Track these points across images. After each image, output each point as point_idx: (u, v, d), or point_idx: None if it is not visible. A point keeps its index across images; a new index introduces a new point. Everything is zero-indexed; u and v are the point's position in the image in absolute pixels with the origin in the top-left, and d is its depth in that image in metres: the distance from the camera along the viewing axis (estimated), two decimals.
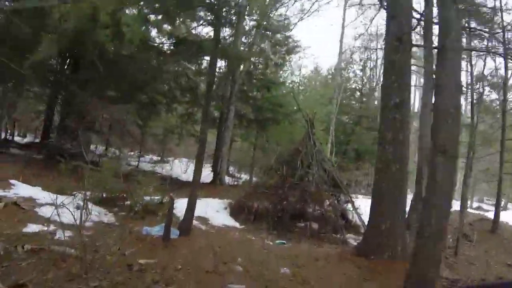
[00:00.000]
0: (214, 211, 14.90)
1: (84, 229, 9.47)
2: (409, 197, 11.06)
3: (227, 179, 24.08)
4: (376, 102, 35.72)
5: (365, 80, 36.44)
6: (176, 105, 25.59)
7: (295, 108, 25.82)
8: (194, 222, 12.44)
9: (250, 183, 21.68)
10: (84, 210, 9.26)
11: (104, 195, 12.79)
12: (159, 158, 30.39)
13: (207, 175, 22.55)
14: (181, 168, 26.66)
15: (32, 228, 9.02)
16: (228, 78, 22.65)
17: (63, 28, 13.06)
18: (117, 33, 14.41)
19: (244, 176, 27.47)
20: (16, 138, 27.78)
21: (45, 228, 8.98)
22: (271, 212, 14.09)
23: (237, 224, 13.90)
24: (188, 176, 23.79)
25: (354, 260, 9.94)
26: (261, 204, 14.05)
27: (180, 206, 12.48)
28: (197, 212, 13.42)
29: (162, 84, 22.46)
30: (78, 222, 7.68)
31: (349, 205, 15.69)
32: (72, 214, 7.60)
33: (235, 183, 24.30)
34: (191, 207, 10.56)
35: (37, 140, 25.40)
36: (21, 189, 12.18)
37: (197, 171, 10.85)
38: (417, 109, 33.17)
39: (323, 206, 14.30)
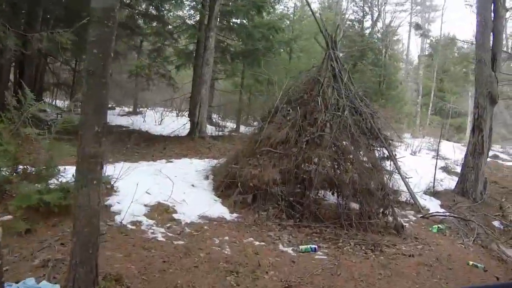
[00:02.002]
0: (187, 185, 8.74)
1: None
2: None
3: (210, 129, 17.80)
4: (379, 35, 29.27)
5: (367, 10, 29.66)
6: (140, 39, 19.08)
7: (290, 37, 19.46)
8: (146, 221, 6.43)
9: (239, 135, 15.34)
10: None
11: None
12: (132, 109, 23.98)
13: (182, 125, 16.31)
14: (154, 118, 20.21)
15: None
16: None
17: None
18: None
19: (230, 125, 21.11)
20: None
21: None
22: (282, 187, 7.84)
23: (225, 212, 7.70)
24: (163, 128, 18.22)
25: None
26: (264, 173, 7.73)
27: (126, 188, 7.21)
28: (156, 195, 7.44)
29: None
30: None
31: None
32: None
33: (220, 133, 17.99)
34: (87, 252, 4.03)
35: None
36: None
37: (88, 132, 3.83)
38: None
39: (366, 171, 8.06)
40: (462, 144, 25.91)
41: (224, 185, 8.41)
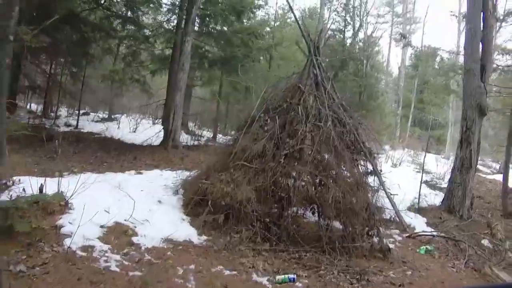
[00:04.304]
0: (153, 202, 7.84)
1: None
2: None
3: (186, 138, 16.91)
4: (361, 44, 28.65)
5: (348, 20, 28.97)
6: (115, 42, 18.08)
7: (270, 44, 18.74)
8: (100, 246, 5.64)
9: (213, 146, 14.41)
10: None
11: None
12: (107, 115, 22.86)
13: (155, 134, 15.33)
14: (129, 126, 19.23)
15: None
16: None
17: None
18: None
19: (207, 134, 20.16)
20: None
21: None
22: (257, 206, 6.96)
23: (193, 233, 6.82)
24: (137, 136, 17.07)
25: None
26: (238, 190, 6.86)
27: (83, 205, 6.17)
28: (115, 213, 6.55)
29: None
30: None
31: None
32: None
33: (195, 143, 17.08)
34: None
35: None
36: None
37: None
38: None
39: (350, 188, 7.25)
40: (442, 156, 25.48)
41: (194, 202, 7.52)
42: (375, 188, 8.37)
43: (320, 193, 7.11)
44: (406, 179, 13.83)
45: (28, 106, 21.20)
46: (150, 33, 17.15)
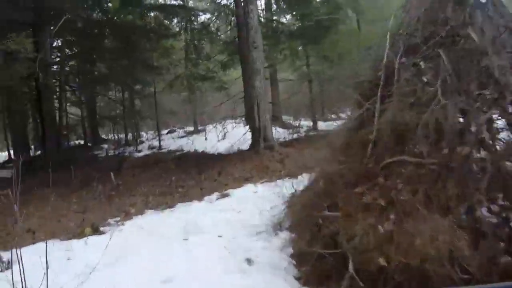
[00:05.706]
0: (235, 265, 3.99)
1: None
2: None
3: (282, 133, 13.43)
4: None
5: None
6: (171, 41, 14.75)
7: None
8: None
9: (326, 135, 10.42)
10: None
11: None
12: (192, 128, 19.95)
13: (242, 136, 12.00)
14: (217, 135, 15.94)
15: None
16: None
17: None
18: None
19: (305, 123, 16.18)
20: None
21: None
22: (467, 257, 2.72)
23: None
24: (224, 144, 13.77)
25: None
26: (414, 228, 2.68)
27: None
28: None
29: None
30: None
31: None
32: None
33: (295, 136, 13.34)
34: None
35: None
36: None
37: None
38: None
39: None
40: None
41: (314, 259, 3.50)
42: None
43: None
44: None
45: (115, 137, 19.12)
46: (209, 20, 13.66)
